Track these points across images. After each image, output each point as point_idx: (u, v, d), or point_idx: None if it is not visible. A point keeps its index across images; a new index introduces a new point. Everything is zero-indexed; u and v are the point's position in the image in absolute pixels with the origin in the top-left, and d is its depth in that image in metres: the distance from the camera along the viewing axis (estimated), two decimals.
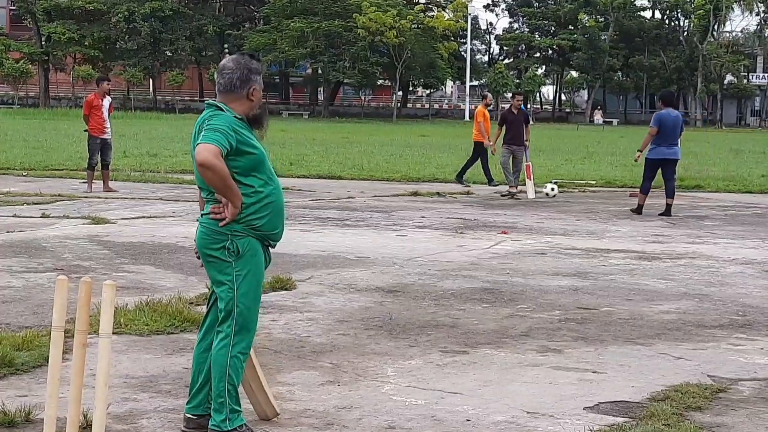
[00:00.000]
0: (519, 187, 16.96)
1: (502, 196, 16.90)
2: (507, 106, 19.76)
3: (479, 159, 19.06)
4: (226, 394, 4.26)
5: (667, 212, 14.29)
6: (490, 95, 21.99)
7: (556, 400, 5.11)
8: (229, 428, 4.26)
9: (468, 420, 4.76)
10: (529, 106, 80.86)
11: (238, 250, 4.23)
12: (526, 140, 17.25)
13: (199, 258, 4.36)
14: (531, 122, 18.67)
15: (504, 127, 17.44)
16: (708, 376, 5.64)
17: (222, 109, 4.24)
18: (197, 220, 4.40)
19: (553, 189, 16.83)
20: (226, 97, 4.30)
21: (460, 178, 19.00)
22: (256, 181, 4.25)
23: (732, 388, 5.40)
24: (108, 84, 16.41)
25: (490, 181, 18.83)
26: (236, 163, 4.18)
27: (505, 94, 75.21)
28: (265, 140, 4.42)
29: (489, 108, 19.75)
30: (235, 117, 4.24)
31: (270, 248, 4.43)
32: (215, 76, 4.42)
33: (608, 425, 4.65)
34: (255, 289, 4.30)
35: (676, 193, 14.86)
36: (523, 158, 17.11)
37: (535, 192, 16.82)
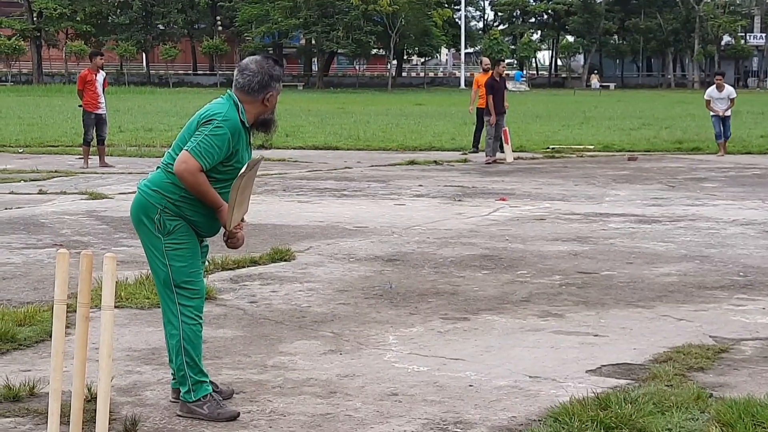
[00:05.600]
0: (498, 154, 17.17)
1: (486, 164, 16.82)
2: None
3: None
4: (185, 367, 4.28)
5: None
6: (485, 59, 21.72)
7: (558, 364, 5.12)
8: (193, 399, 4.28)
9: (471, 385, 4.77)
10: (525, 71, 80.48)
11: (166, 227, 4.24)
12: (506, 106, 17.58)
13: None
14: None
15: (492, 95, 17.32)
16: (710, 336, 5.65)
17: (237, 108, 4.25)
18: (137, 187, 4.40)
19: None
20: (241, 95, 4.31)
21: (476, 149, 18.92)
22: (215, 182, 4.24)
23: (734, 348, 5.42)
24: (101, 59, 16.28)
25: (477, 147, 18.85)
26: (214, 168, 4.21)
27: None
28: None
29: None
30: (241, 123, 4.25)
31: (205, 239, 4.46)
32: (235, 72, 4.38)
33: (611, 387, 4.66)
34: (189, 259, 4.28)
35: (674, 156, 14.92)
36: (503, 124, 17.37)
37: None
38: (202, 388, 4.31)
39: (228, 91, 4.38)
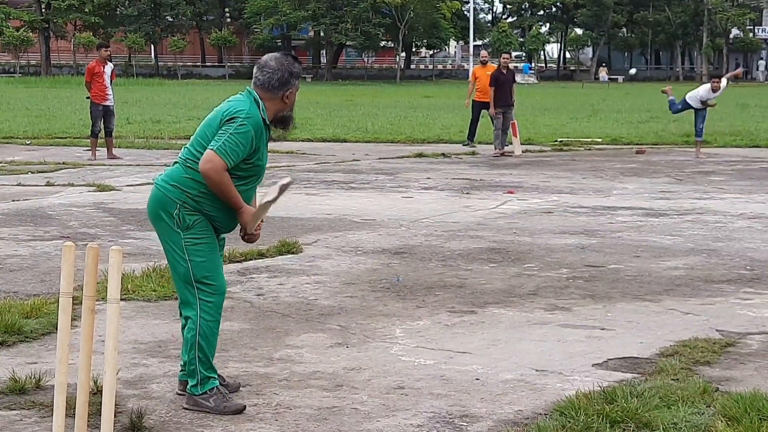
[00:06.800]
0: (506, 147, 17.17)
1: (494, 156, 16.80)
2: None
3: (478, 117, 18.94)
4: (197, 362, 4.29)
5: None
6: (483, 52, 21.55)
7: (564, 358, 5.11)
8: (199, 392, 4.30)
9: (477, 379, 4.77)
10: (533, 64, 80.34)
11: (185, 222, 4.24)
12: (513, 99, 17.49)
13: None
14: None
15: (495, 88, 17.26)
16: (716, 330, 5.65)
17: (258, 105, 4.28)
18: (153, 180, 4.42)
19: None
20: (261, 92, 4.33)
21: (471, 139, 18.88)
22: (237, 179, 4.27)
23: (740, 342, 5.41)
24: (107, 50, 16.28)
25: (471, 140, 18.78)
26: (236, 166, 4.24)
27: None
28: None
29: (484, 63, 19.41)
30: (262, 120, 4.28)
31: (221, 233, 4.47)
32: (254, 69, 4.40)
33: (617, 381, 4.65)
34: (209, 254, 4.28)
35: (682, 149, 14.80)
36: (511, 117, 17.30)
37: None
38: (210, 382, 4.33)
39: (247, 87, 4.40)
